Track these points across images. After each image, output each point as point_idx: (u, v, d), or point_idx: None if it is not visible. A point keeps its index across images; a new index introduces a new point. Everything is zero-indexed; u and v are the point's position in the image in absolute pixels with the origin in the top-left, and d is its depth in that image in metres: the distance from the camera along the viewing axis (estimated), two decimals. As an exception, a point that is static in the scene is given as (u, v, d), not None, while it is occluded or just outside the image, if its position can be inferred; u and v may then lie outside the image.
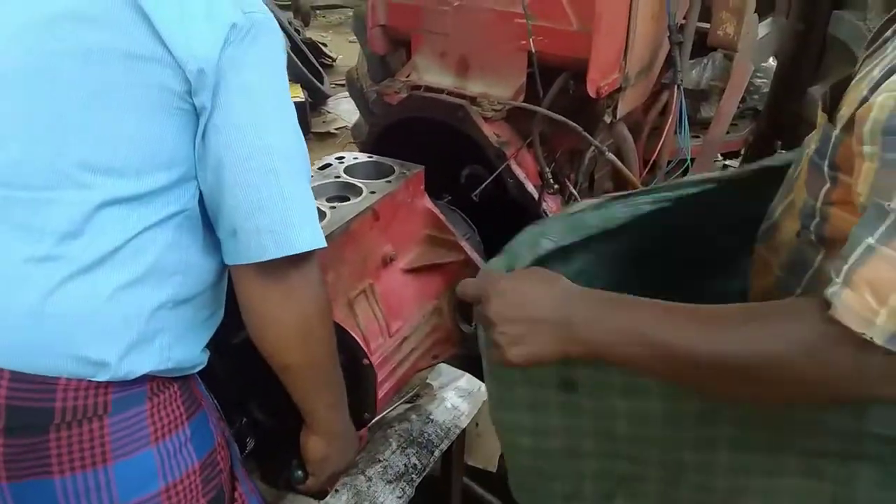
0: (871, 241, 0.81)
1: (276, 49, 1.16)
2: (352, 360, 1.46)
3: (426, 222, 1.92)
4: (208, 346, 1.38)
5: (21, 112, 1.10)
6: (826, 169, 1.02)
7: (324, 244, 1.17)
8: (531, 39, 1.99)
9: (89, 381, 1.08)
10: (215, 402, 1.39)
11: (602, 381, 1.06)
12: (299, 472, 1.43)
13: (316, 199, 1.71)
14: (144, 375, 1.12)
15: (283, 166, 1.13)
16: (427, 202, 1.92)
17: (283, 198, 1.12)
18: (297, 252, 1.12)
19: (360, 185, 1.78)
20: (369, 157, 1.94)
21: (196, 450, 1.21)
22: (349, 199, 1.74)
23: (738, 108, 3.06)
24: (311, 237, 1.14)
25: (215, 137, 1.10)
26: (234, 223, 1.12)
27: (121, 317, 1.10)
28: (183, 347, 1.17)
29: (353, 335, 1.44)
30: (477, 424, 2.13)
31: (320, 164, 1.90)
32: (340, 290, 1.68)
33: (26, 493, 1.10)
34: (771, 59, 3.03)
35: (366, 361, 1.45)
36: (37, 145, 1.09)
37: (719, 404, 1.03)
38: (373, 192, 1.76)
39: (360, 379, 1.47)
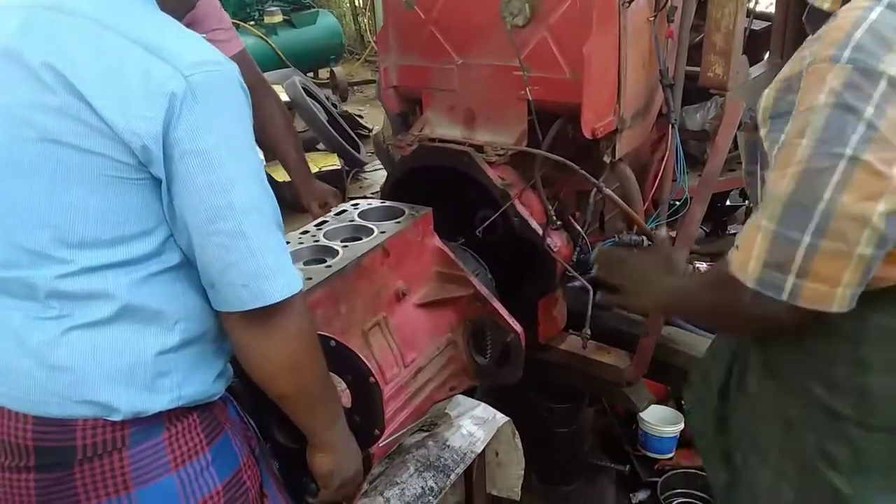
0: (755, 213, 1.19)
1: (227, 104, 1.16)
2: (359, 379, 1.58)
3: (436, 259, 2.06)
4: (235, 374, 1.52)
5: None
6: (758, 170, 1.19)
7: (298, 288, 1.22)
8: (528, 89, 2.15)
9: (105, 419, 1.19)
10: (247, 419, 1.50)
11: None
12: (312, 485, 1.54)
13: (331, 240, 1.89)
14: (159, 412, 1.21)
15: (249, 222, 1.16)
16: (436, 241, 2.06)
17: (252, 253, 1.16)
18: (273, 302, 1.18)
19: (371, 226, 1.94)
20: (382, 202, 2.11)
21: (218, 472, 1.30)
22: (362, 239, 1.90)
23: (745, 147, 3.17)
24: (285, 285, 1.19)
25: (179, 203, 1.14)
26: (210, 278, 1.19)
27: (124, 365, 1.18)
28: (194, 383, 1.25)
29: (360, 356, 1.56)
30: (497, 454, 2.21)
31: (337, 211, 2.07)
32: (355, 322, 1.81)
33: None
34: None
35: (372, 380, 1.56)
36: (12, 233, 1.17)
37: None
38: (383, 232, 1.91)
39: (367, 397, 1.58)
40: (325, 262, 1.76)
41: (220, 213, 1.14)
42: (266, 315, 1.20)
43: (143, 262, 1.18)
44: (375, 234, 1.90)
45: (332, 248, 1.82)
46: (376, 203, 2.10)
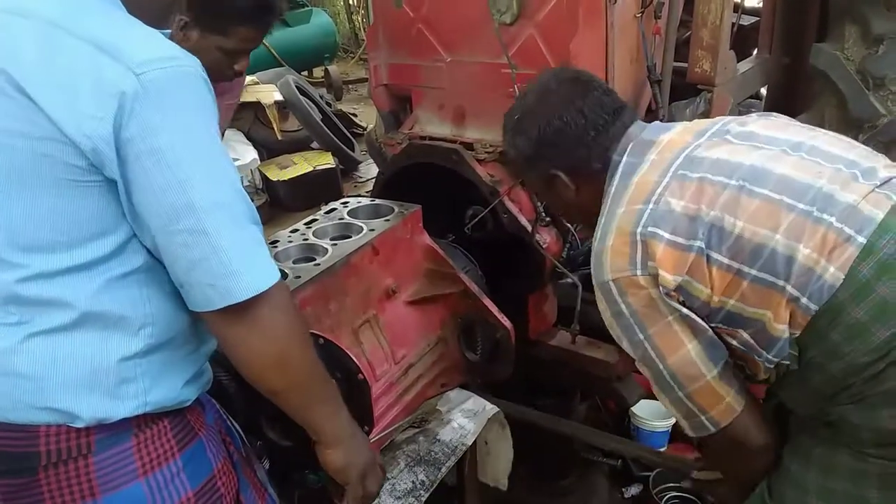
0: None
1: (184, 100, 1.12)
2: (347, 376, 1.59)
3: (426, 257, 2.07)
4: (227, 371, 1.51)
5: None
6: None
7: (270, 283, 1.17)
8: (516, 86, 2.16)
9: (69, 426, 1.17)
10: (231, 422, 1.50)
11: None
12: (312, 477, 1.54)
13: (320, 238, 1.90)
14: (126, 418, 1.19)
15: (212, 219, 1.12)
16: (426, 238, 2.07)
17: (216, 251, 1.12)
18: (240, 300, 1.14)
19: (360, 224, 1.95)
20: (371, 200, 2.12)
21: (190, 478, 1.27)
22: (351, 237, 1.91)
23: (735, 142, 3.17)
24: (253, 282, 1.15)
25: (139, 205, 1.12)
26: (178, 278, 1.16)
27: (86, 372, 1.16)
28: (161, 389, 1.22)
29: (348, 353, 1.58)
30: (486, 443, 2.22)
31: (326, 209, 2.08)
32: (345, 320, 1.83)
33: None
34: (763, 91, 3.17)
35: (360, 377, 1.58)
36: None
37: None
38: (372, 230, 1.93)
39: (356, 394, 1.59)
40: (315, 260, 1.77)
41: (179, 213, 1.11)
42: (243, 311, 1.17)
43: (103, 265, 1.16)
44: (365, 231, 1.91)
45: (321, 246, 1.84)
46: (365, 201, 2.11)
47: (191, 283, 1.15)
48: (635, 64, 2.32)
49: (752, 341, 1.36)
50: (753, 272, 1.31)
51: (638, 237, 1.37)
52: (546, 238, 2.24)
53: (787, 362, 1.34)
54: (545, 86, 1.59)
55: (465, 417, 2.04)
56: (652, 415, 2.89)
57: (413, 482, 1.85)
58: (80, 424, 1.17)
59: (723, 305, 1.35)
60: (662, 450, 2.91)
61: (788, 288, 1.29)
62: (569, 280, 2.31)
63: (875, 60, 2.46)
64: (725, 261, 1.33)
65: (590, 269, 2.58)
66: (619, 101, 1.57)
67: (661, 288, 1.34)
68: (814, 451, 1.41)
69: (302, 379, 1.29)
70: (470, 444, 1.99)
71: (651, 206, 1.38)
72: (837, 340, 1.29)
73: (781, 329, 1.32)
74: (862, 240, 1.27)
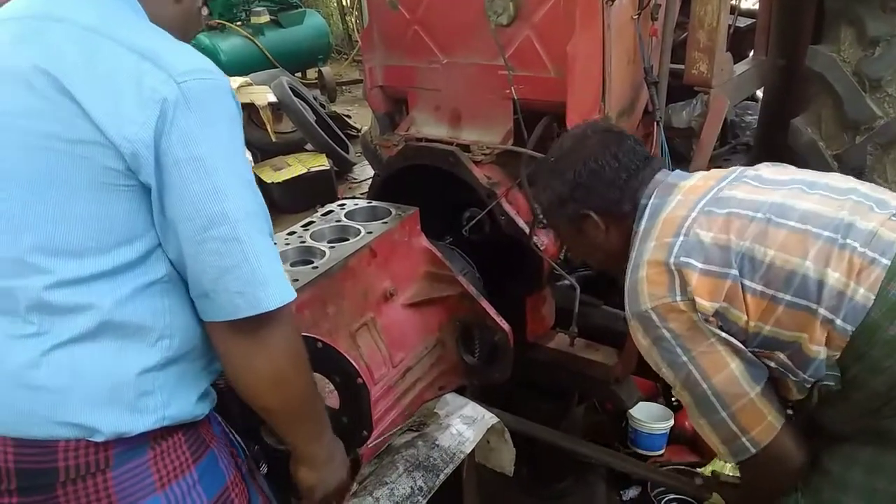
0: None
1: (220, 112, 1.15)
2: (346, 380, 1.57)
3: (424, 259, 2.06)
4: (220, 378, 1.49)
5: None
6: None
7: (292, 298, 1.20)
8: (513, 88, 2.15)
9: (87, 440, 1.15)
10: (234, 435, 1.47)
11: None
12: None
13: (317, 241, 1.89)
14: (143, 432, 1.18)
15: (244, 228, 1.15)
16: (423, 240, 2.06)
17: (247, 259, 1.14)
18: (268, 310, 1.16)
19: (358, 226, 1.94)
20: (368, 202, 2.11)
21: (206, 490, 1.27)
22: (348, 240, 1.90)
23: (732, 143, 3.18)
24: (279, 293, 1.18)
25: (172, 212, 1.13)
26: (203, 287, 1.16)
27: (107, 385, 1.15)
28: (178, 403, 1.22)
29: (347, 357, 1.56)
30: (488, 441, 2.21)
31: (323, 211, 2.07)
32: (342, 323, 1.81)
33: None
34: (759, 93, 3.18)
35: (359, 381, 1.56)
36: None
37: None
38: (370, 233, 1.91)
39: (354, 398, 1.58)
40: (312, 263, 1.76)
41: (214, 220, 1.12)
42: (256, 326, 1.18)
43: (129, 272, 1.15)
44: (362, 234, 1.90)
45: (318, 249, 1.82)
46: (363, 203, 2.10)
47: (217, 290, 1.15)
48: (632, 66, 2.32)
49: (788, 362, 1.40)
50: (788, 297, 1.37)
51: (672, 266, 1.42)
52: (544, 240, 2.23)
53: (831, 383, 1.39)
54: (581, 133, 1.69)
55: (464, 424, 2.03)
56: (650, 417, 2.89)
57: (411, 487, 1.84)
58: (99, 439, 1.15)
59: (759, 331, 1.41)
60: (661, 452, 2.91)
61: (821, 310, 1.35)
62: (567, 282, 2.31)
63: (871, 62, 2.47)
64: (759, 288, 1.39)
65: (588, 270, 2.61)
66: (648, 151, 1.68)
67: (699, 313, 1.39)
68: (859, 452, 1.44)
69: (296, 401, 1.29)
70: (468, 452, 1.98)
71: (682, 238, 1.44)
72: (878, 356, 1.34)
73: (817, 350, 1.37)
74: (886, 261, 1.35)
